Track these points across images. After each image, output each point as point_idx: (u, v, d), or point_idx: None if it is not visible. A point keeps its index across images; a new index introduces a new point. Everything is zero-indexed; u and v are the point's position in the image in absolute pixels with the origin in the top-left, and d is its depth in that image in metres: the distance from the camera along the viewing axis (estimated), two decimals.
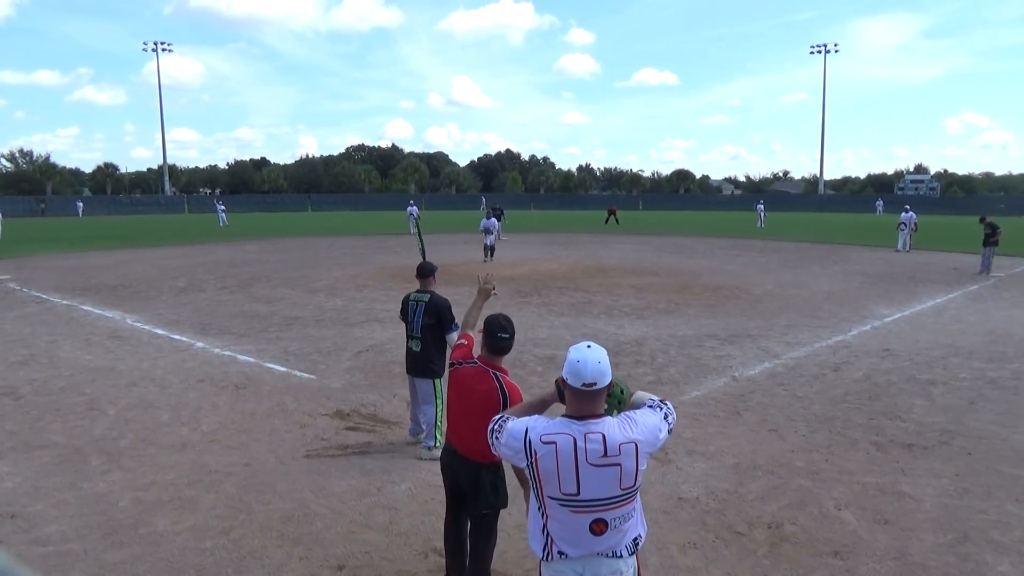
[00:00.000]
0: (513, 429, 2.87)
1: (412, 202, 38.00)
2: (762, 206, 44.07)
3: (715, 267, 21.04)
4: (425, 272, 6.25)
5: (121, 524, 5.02)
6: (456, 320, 5.97)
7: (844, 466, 5.99)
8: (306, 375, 8.81)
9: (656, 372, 8.89)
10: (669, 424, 2.80)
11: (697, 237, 34.58)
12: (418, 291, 6.20)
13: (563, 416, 2.84)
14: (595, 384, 2.76)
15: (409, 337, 6.20)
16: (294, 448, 6.40)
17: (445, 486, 4.05)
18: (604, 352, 2.81)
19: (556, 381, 2.91)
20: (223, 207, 45.87)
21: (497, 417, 3.01)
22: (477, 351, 3.96)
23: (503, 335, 3.84)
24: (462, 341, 4.08)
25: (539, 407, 3.02)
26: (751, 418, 7.19)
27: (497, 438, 2.91)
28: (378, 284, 17.20)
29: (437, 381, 6.08)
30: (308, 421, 7.09)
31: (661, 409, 2.86)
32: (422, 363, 6.08)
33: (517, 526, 4.89)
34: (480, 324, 3.98)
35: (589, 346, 2.82)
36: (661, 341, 10.61)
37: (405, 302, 6.24)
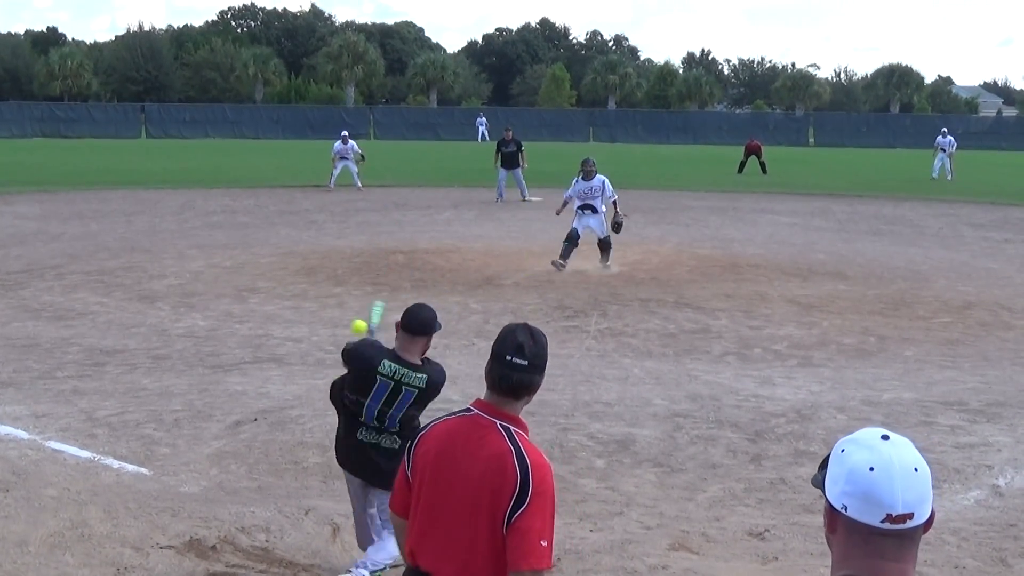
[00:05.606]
0: None
1: (346, 134, 37.54)
2: (949, 139, 44.42)
3: (960, 264, 20.95)
4: (422, 326, 6.35)
5: None
6: None
7: None
8: (131, 467, 8.86)
9: None
10: None
11: (925, 201, 34.38)
12: (402, 362, 6.34)
13: None
14: (910, 518, 2.69)
15: (366, 427, 6.45)
16: None
17: None
18: (916, 451, 2.73)
19: (825, 513, 2.83)
20: None
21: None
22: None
23: (517, 360, 3.98)
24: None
25: None
26: None
27: None
28: (279, 287, 17.33)
29: None
30: (133, 561, 7.12)
31: None
32: (386, 467, 6.28)
33: None
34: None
35: (886, 437, 2.76)
36: (848, 413, 10.54)
37: (367, 373, 6.38)
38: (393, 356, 6.36)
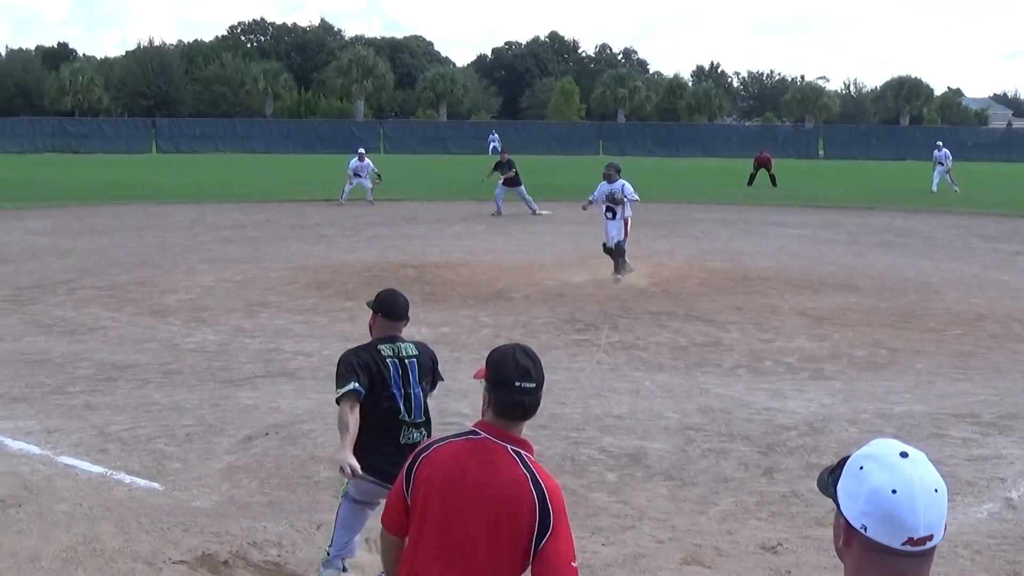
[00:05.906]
0: None
1: (362, 151, 37.62)
2: (944, 152, 44.35)
3: (971, 276, 20.93)
4: (404, 310, 6.78)
5: None
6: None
7: None
8: (143, 482, 8.88)
9: None
10: None
11: (935, 213, 34.36)
12: (393, 340, 6.66)
13: None
14: (930, 539, 2.66)
15: (404, 426, 6.45)
16: None
17: None
18: (933, 468, 2.70)
19: (840, 527, 2.76)
20: None
21: None
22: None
23: (526, 384, 4.02)
24: None
25: None
26: None
27: None
28: (289, 302, 17.38)
29: None
30: (145, 575, 7.16)
31: None
32: None
33: None
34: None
35: (905, 454, 2.71)
36: (860, 426, 10.54)
37: (375, 362, 6.49)
38: (380, 340, 6.60)
